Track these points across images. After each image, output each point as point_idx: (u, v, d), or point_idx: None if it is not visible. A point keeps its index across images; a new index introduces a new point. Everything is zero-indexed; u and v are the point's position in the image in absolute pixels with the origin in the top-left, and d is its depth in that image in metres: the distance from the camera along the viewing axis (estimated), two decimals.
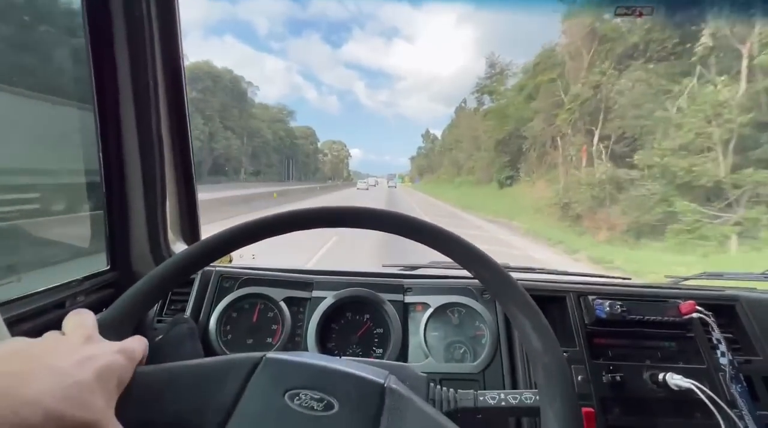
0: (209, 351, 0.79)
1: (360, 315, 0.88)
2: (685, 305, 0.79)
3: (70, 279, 0.77)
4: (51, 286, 0.73)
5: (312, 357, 0.44)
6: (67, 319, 0.39)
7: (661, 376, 0.73)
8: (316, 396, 0.38)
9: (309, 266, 1.11)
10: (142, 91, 0.82)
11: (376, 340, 0.86)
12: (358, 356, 0.84)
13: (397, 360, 0.82)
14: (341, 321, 0.87)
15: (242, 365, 0.40)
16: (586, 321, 0.82)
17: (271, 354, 0.42)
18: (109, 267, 0.87)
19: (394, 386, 0.41)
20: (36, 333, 0.64)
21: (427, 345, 0.82)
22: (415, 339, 0.84)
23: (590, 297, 0.83)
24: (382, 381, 0.41)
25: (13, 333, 0.57)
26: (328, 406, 0.38)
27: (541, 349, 0.40)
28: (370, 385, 0.40)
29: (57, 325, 0.70)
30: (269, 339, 0.84)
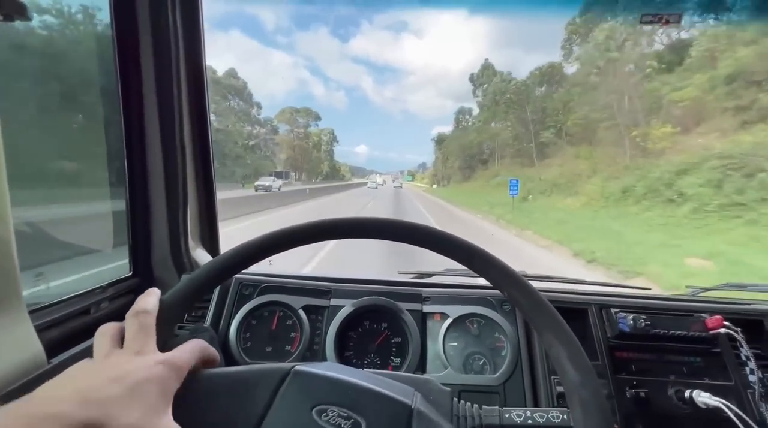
0: (229, 358, 0.79)
1: (378, 324, 0.88)
2: (711, 320, 0.78)
3: (94, 287, 0.78)
4: (76, 294, 0.74)
5: (339, 370, 0.44)
6: (129, 319, 0.40)
7: (687, 393, 0.72)
8: (344, 414, 0.38)
9: (311, 265, 1.10)
10: (166, 102, 0.83)
11: (394, 350, 0.86)
12: (376, 366, 0.84)
13: (416, 370, 0.82)
14: (359, 329, 0.87)
15: (272, 376, 0.40)
16: (608, 335, 0.81)
17: (299, 367, 0.42)
18: (131, 273, 0.88)
19: (422, 408, 0.40)
20: (61, 341, 0.66)
21: (446, 356, 0.82)
22: (434, 349, 0.84)
23: (613, 310, 0.82)
24: (409, 402, 0.40)
25: (41, 340, 0.58)
26: (356, 425, 0.37)
27: (579, 382, 0.38)
28: (398, 406, 0.40)
29: (82, 332, 0.72)
30: (288, 347, 0.84)
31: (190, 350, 0.41)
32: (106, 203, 0.90)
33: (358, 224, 0.47)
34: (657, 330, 0.78)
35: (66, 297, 0.71)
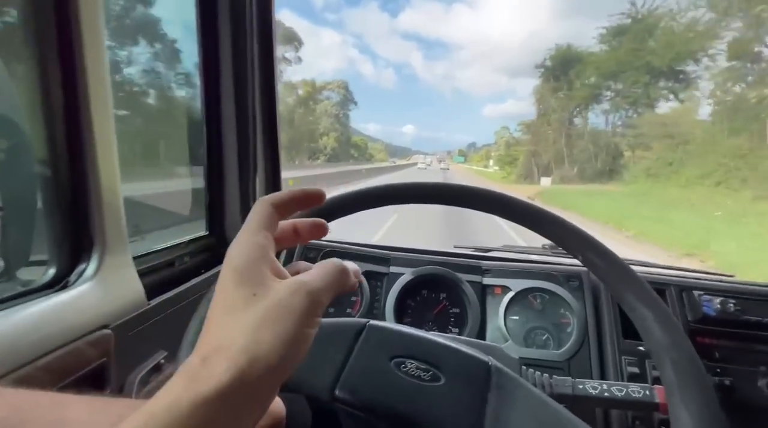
0: None
1: (436, 294, 0.88)
2: None
3: (178, 241, 0.85)
4: (163, 247, 0.82)
5: (410, 329, 0.45)
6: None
7: None
8: (422, 366, 0.39)
9: (377, 240, 1.12)
10: (241, 86, 0.90)
11: (452, 319, 0.86)
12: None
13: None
14: (417, 298, 0.88)
15: (348, 329, 0.42)
16: (689, 318, 0.75)
17: (374, 322, 0.43)
18: (207, 232, 0.95)
19: (499, 365, 0.40)
20: (154, 287, 0.73)
21: (506, 329, 0.81)
22: (494, 322, 0.83)
23: (695, 293, 0.76)
24: (486, 359, 0.40)
25: None
26: (435, 377, 0.38)
27: (668, 343, 0.35)
28: (475, 361, 0.40)
29: (168, 283, 0.79)
30: (349, 310, 0.87)
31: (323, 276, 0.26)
32: (188, 178, 0.98)
33: (415, 188, 0.46)
34: (748, 317, 0.71)
35: (155, 249, 0.79)
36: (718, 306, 0.72)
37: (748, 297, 0.75)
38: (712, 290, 0.77)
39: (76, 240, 0.57)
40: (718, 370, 0.70)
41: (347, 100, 50.87)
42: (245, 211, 0.97)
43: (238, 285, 0.23)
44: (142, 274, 0.71)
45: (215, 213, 0.96)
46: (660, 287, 0.79)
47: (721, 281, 0.87)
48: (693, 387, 0.34)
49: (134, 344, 0.60)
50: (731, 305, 0.72)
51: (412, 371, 0.38)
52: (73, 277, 0.55)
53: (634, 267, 0.97)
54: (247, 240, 0.26)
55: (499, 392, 0.37)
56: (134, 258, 0.72)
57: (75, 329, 0.51)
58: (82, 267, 0.56)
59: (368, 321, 0.43)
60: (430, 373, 0.38)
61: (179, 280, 0.81)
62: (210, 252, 0.95)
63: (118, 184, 0.58)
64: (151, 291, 0.69)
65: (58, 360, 0.49)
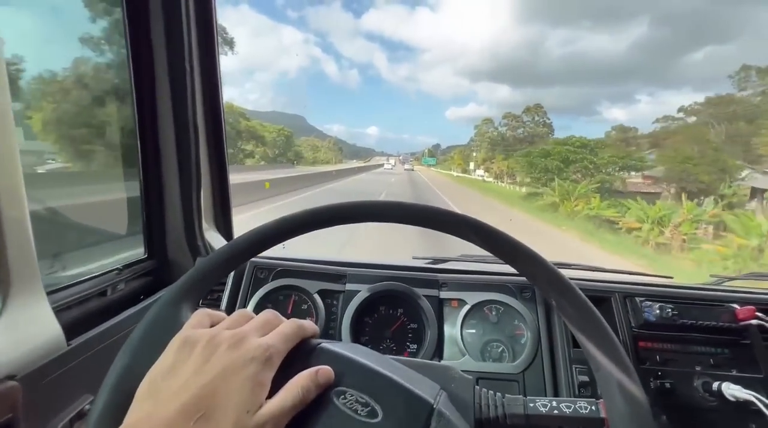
0: None
1: (394, 310, 0.86)
2: (742, 310, 0.75)
3: (110, 269, 0.78)
4: (93, 275, 0.74)
5: (363, 354, 0.43)
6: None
7: (715, 385, 0.70)
8: (362, 400, 0.37)
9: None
10: (179, 83, 0.81)
11: (410, 336, 0.85)
12: (392, 351, 0.83)
13: (432, 356, 0.81)
14: (374, 315, 0.86)
15: (296, 349, 0.39)
16: (632, 324, 0.79)
17: (326, 344, 0.41)
18: (146, 255, 0.87)
19: (443, 410, 0.39)
20: (80, 323, 0.65)
21: (463, 343, 0.81)
22: (451, 336, 0.82)
23: (638, 299, 0.79)
24: (432, 401, 0.39)
25: (60, 322, 0.58)
26: (372, 413, 0.36)
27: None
28: (419, 402, 0.38)
29: (100, 314, 0.72)
30: None
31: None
32: (120, 184, 0.89)
33: (396, 208, 0.44)
34: (684, 320, 0.75)
35: (83, 278, 0.71)
36: (657, 311, 0.75)
37: (683, 301, 0.79)
38: (653, 296, 0.81)
39: None
40: (659, 373, 0.74)
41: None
42: (189, 230, 0.90)
43: None
44: (63, 309, 0.64)
45: (155, 233, 0.88)
46: (606, 294, 0.82)
47: (660, 285, 0.93)
48: (632, 408, 0.35)
49: (51, 393, 0.53)
50: (669, 310, 0.75)
51: (350, 404, 0.37)
52: None
53: (578, 272, 0.99)
54: None
55: None
56: (53, 291, 0.65)
57: None
58: None
59: (320, 343, 0.41)
60: (368, 408, 0.37)
61: (113, 311, 0.74)
62: (150, 276, 0.87)
63: (23, 203, 0.51)
64: (76, 328, 0.62)
65: None
